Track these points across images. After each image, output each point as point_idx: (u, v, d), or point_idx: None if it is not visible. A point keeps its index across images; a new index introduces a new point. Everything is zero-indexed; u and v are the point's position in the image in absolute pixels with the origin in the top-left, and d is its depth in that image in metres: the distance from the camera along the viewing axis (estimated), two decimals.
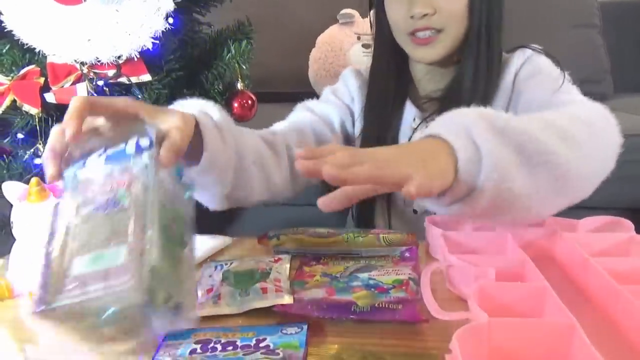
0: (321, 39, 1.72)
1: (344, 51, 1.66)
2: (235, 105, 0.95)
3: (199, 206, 1.24)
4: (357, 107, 0.84)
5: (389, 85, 0.81)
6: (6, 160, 0.83)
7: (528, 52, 0.77)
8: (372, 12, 0.84)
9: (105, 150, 0.44)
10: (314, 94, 0.87)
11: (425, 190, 0.43)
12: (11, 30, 0.77)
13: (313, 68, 1.72)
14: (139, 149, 0.43)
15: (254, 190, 0.65)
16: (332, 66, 1.67)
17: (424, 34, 0.73)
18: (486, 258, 0.56)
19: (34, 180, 0.59)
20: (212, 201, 0.63)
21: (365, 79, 0.85)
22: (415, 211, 0.81)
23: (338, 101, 0.85)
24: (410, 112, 0.80)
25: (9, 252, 0.71)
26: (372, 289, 0.53)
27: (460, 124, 0.48)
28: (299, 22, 1.83)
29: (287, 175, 0.72)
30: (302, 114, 0.83)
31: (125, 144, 0.44)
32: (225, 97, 0.96)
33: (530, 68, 0.76)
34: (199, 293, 0.57)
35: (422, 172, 0.43)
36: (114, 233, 0.38)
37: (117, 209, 0.40)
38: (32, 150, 0.81)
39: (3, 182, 0.83)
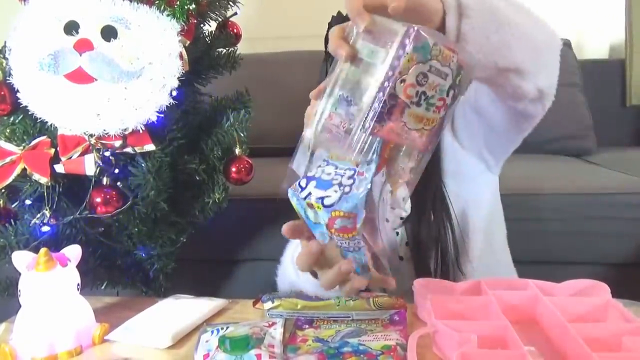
0: None
1: None
2: (233, 169, 0.98)
3: (194, 265, 1.25)
4: None
5: None
6: (13, 225, 0.86)
7: None
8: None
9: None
10: None
11: None
12: (26, 106, 0.82)
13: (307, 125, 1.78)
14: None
15: None
16: None
17: None
18: (470, 324, 0.58)
19: (42, 250, 0.61)
20: None
21: None
22: (401, 258, 0.84)
23: None
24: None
25: (9, 315, 0.73)
26: (362, 355, 0.55)
27: None
28: (295, 81, 1.92)
29: None
30: None
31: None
32: (223, 162, 1.00)
33: None
34: (196, 358, 0.59)
35: None
36: None
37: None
38: (39, 215, 0.85)
39: (10, 246, 0.86)
